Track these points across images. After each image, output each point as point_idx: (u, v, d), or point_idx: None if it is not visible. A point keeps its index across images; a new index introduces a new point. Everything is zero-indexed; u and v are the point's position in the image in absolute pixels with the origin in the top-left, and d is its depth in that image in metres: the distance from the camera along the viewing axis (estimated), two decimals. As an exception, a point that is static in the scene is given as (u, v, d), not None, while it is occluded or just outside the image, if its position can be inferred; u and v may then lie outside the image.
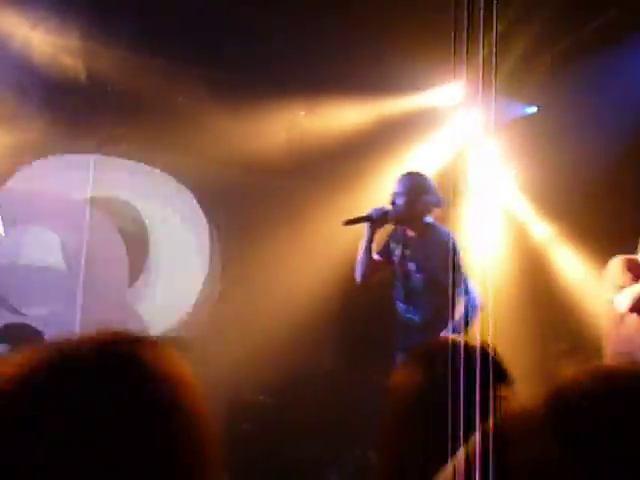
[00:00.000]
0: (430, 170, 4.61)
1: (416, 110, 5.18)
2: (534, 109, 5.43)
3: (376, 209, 3.57)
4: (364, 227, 3.64)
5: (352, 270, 3.75)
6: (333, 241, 4.62)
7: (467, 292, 3.18)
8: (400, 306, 3.61)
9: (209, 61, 4.71)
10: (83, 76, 4.44)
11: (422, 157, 5.11)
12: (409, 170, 3.80)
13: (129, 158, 5.02)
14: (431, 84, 5.06)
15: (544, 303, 4.92)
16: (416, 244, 3.56)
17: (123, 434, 0.75)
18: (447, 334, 3.16)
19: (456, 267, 3.05)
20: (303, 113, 5.27)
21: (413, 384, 1.07)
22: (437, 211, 3.58)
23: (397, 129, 5.13)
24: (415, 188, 3.55)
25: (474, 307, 3.19)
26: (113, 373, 0.79)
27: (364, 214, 3.60)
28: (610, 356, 3.38)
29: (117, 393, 0.77)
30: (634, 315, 3.35)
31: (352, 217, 3.63)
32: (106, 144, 4.80)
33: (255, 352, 4.44)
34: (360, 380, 4.48)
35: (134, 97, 4.54)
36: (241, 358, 4.41)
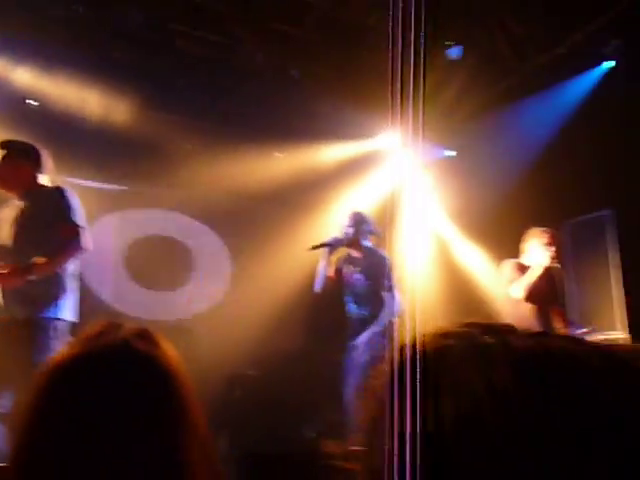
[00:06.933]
0: (373, 201, 6.06)
1: (365, 152, 6.61)
2: (453, 152, 6.98)
3: (334, 238, 4.76)
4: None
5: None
6: (300, 257, 6.07)
7: (394, 296, 4.62)
8: (352, 307, 4.86)
9: (211, 117, 6.16)
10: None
11: (367, 191, 6.54)
12: (355, 208, 5.01)
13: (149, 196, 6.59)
14: (376, 131, 6.44)
15: (461, 300, 6.37)
16: (361, 262, 4.86)
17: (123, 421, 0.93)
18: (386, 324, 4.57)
19: (388, 278, 4.51)
20: (279, 155, 6.70)
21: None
22: (374, 238, 4.87)
23: (349, 168, 6.60)
24: (359, 222, 4.81)
25: (399, 305, 4.62)
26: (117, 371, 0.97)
27: (325, 241, 4.74)
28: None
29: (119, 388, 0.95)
30: (525, 301, 4.55)
31: (316, 244, 4.74)
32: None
33: (248, 335, 5.96)
34: (323, 358, 5.75)
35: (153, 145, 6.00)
36: (238, 340, 5.92)
